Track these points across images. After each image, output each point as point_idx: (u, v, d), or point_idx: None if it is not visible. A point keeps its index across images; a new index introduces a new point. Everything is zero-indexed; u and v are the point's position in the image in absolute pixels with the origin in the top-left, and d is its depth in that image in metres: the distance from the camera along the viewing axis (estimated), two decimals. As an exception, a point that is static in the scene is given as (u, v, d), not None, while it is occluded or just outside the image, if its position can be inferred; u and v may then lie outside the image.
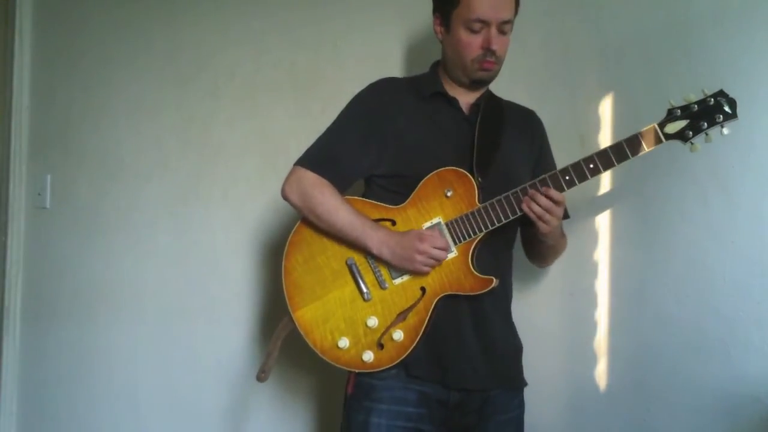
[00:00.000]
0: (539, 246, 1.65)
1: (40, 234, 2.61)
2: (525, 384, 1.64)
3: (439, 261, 1.49)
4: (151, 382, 2.37)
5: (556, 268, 1.84)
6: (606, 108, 1.83)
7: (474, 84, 1.61)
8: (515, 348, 1.64)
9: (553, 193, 1.44)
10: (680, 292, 1.73)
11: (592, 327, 1.83)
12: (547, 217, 1.46)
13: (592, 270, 1.83)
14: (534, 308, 1.84)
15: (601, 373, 1.82)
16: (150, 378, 2.37)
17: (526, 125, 1.71)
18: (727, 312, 1.67)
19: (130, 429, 2.40)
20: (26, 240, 2.63)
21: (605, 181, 1.83)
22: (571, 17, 1.88)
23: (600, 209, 1.83)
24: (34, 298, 2.61)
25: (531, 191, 1.46)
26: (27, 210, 2.64)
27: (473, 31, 1.53)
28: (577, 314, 1.85)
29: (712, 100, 1.41)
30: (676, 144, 1.44)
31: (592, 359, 1.82)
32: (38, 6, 2.66)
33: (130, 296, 2.41)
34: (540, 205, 1.45)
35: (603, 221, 1.83)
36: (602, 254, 1.83)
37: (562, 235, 1.67)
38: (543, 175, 1.47)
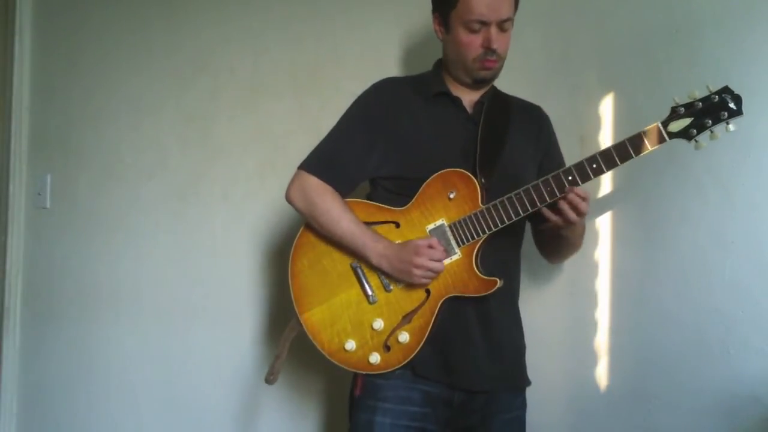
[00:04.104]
0: (558, 241, 1.63)
1: (40, 234, 2.61)
2: (529, 383, 1.64)
3: (437, 272, 1.49)
4: (150, 381, 2.37)
5: (557, 268, 1.84)
6: (606, 108, 1.83)
7: (476, 83, 1.61)
8: (520, 348, 1.64)
9: (579, 191, 1.44)
10: (680, 292, 1.72)
11: (592, 327, 1.83)
12: (570, 214, 1.45)
13: (592, 270, 1.83)
14: (534, 308, 1.83)
15: (601, 372, 1.81)
16: (149, 377, 2.37)
17: (532, 122, 1.69)
18: (727, 312, 1.67)
19: (130, 429, 2.40)
20: (26, 240, 2.64)
21: (605, 181, 1.83)
22: (571, 17, 1.88)
23: (600, 209, 1.83)
24: (34, 298, 2.61)
25: (570, 190, 1.43)
26: (27, 210, 2.64)
27: (473, 31, 1.52)
28: (577, 314, 1.85)
29: (717, 96, 1.39)
30: (679, 143, 1.43)
31: (592, 359, 1.82)
32: (38, 6, 2.66)
33: (130, 296, 2.41)
34: (571, 203, 1.44)
35: (603, 221, 1.83)
36: (602, 254, 1.83)
37: (581, 234, 1.65)
38: (546, 176, 1.46)
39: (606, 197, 1.83)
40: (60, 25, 2.62)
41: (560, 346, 1.86)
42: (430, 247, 1.48)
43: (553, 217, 1.47)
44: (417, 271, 1.47)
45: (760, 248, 1.65)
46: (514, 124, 1.62)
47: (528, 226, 1.71)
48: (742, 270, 1.66)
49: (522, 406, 1.63)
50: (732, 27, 1.69)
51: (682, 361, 1.71)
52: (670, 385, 1.72)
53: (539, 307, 1.85)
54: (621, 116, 1.80)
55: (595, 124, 1.83)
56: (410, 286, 1.52)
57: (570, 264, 1.79)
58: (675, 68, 1.75)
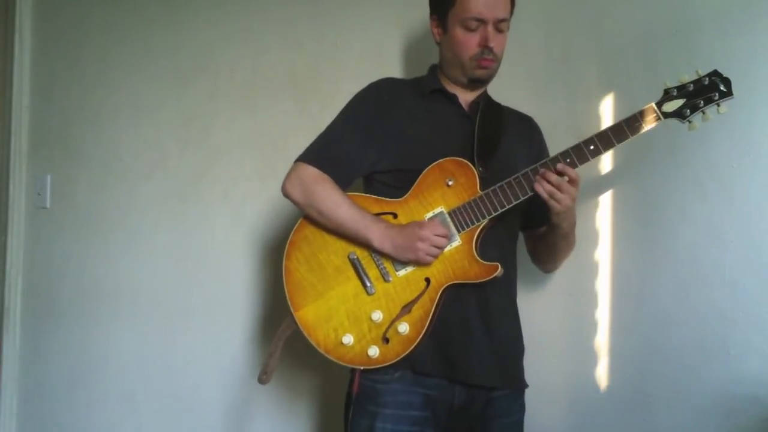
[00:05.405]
0: (550, 237, 1.63)
1: (40, 234, 2.61)
2: (526, 386, 1.64)
3: (440, 248, 1.49)
4: (150, 381, 2.37)
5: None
6: (606, 108, 1.83)
7: (473, 83, 1.62)
8: (519, 349, 1.64)
9: (569, 169, 1.45)
10: (680, 292, 1.72)
11: (592, 327, 1.83)
12: (558, 195, 1.45)
13: (592, 270, 1.83)
14: (534, 308, 1.83)
15: (600, 373, 1.81)
16: (149, 377, 2.37)
17: (525, 130, 1.72)
18: (727, 312, 1.67)
19: (129, 427, 2.40)
20: (26, 240, 2.64)
21: (605, 180, 1.83)
22: (571, 17, 1.88)
23: (600, 209, 1.83)
24: (34, 298, 2.61)
25: (542, 170, 1.46)
26: (27, 210, 2.64)
27: (470, 30, 1.55)
28: (577, 314, 1.85)
29: (707, 79, 1.44)
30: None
31: (592, 359, 1.82)
32: (38, 6, 2.66)
33: (130, 296, 2.41)
34: (551, 183, 1.45)
35: (603, 221, 1.83)
36: (602, 254, 1.83)
37: (573, 231, 1.65)
38: (544, 159, 1.49)
39: (606, 197, 1.83)
40: (60, 25, 2.62)
41: (560, 346, 1.86)
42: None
43: (554, 197, 1.47)
44: (421, 245, 1.47)
45: (760, 248, 1.65)
46: (508, 127, 1.64)
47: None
48: (742, 270, 1.66)
49: (521, 410, 1.63)
50: (731, 27, 1.69)
51: (682, 361, 1.71)
52: (670, 385, 1.72)
53: (539, 307, 1.85)
54: (621, 116, 1.77)
55: (595, 123, 1.82)
56: (409, 275, 1.51)
57: (570, 264, 1.79)
58: (675, 68, 1.74)
